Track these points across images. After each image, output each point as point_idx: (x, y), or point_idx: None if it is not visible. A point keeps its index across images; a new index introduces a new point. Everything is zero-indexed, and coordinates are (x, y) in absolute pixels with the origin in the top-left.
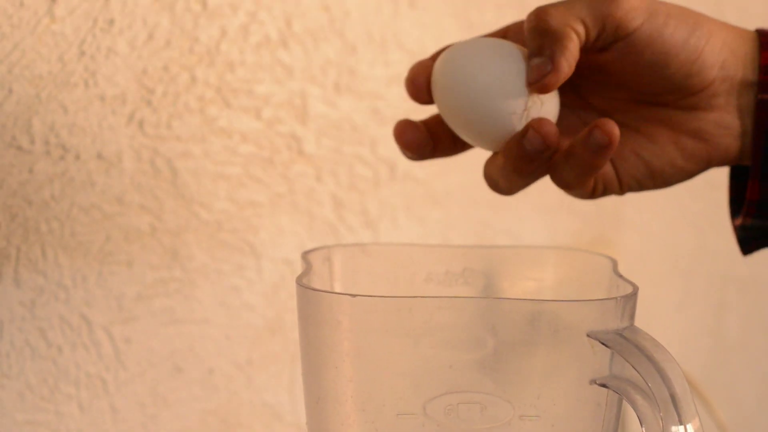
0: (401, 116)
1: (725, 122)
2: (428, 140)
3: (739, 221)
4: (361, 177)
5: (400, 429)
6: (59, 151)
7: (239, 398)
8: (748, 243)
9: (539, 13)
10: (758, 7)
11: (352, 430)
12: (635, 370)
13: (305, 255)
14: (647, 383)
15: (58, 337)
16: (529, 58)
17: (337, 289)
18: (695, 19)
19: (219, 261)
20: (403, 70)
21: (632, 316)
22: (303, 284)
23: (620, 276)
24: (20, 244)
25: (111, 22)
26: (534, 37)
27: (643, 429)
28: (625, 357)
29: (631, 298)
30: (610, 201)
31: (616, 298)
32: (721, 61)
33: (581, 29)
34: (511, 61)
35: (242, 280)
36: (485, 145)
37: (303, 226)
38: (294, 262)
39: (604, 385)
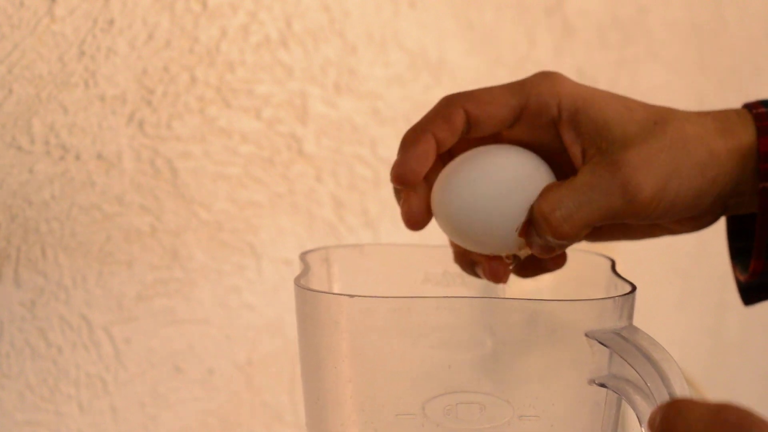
0: (401, 116)
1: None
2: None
3: (743, 278)
4: (361, 177)
5: (399, 429)
6: (59, 151)
7: (239, 398)
8: (749, 295)
9: (554, 226)
10: (758, 7)
11: (351, 430)
12: (634, 369)
13: (303, 256)
14: (646, 383)
15: (58, 338)
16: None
17: (336, 290)
18: (701, 171)
19: (219, 261)
20: (403, 70)
21: (631, 316)
22: (301, 285)
23: (618, 276)
24: (20, 244)
25: (111, 22)
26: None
27: (642, 428)
28: (624, 356)
29: (630, 298)
30: None
31: (614, 297)
32: (718, 192)
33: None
34: (516, 173)
35: (242, 280)
36: (484, 251)
37: (303, 226)
38: (294, 262)
39: (602, 385)
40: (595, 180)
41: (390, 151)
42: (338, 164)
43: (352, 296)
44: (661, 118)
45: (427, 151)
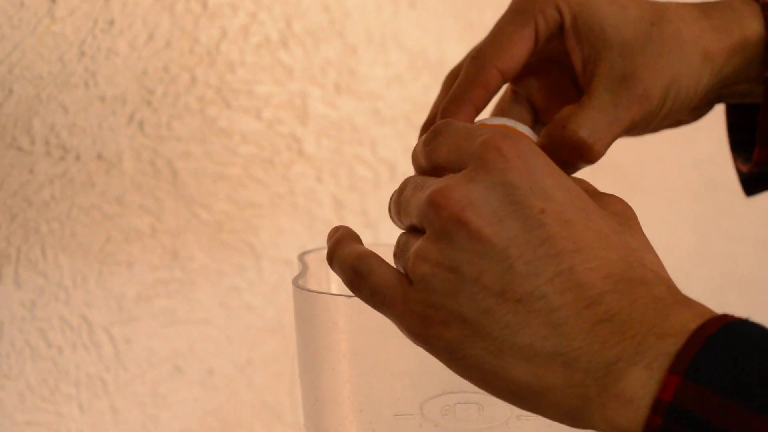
0: (401, 116)
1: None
2: None
3: (745, 168)
4: (362, 177)
5: (397, 429)
6: (59, 151)
7: (239, 398)
8: (751, 186)
9: (593, 150)
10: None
11: (349, 430)
12: None
13: (302, 256)
14: None
15: (59, 338)
16: None
17: (334, 291)
18: (697, 75)
19: (219, 261)
20: (403, 71)
21: None
22: (299, 285)
23: None
24: (20, 244)
25: (111, 22)
26: None
27: None
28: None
29: None
30: None
31: None
32: (711, 89)
33: None
34: None
35: (242, 280)
36: None
37: (303, 226)
38: (294, 262)
39: None
40: (615, 98)
41: (390, 152)
42: (338, 165)
43: (350, 296)
44: (657, 19)
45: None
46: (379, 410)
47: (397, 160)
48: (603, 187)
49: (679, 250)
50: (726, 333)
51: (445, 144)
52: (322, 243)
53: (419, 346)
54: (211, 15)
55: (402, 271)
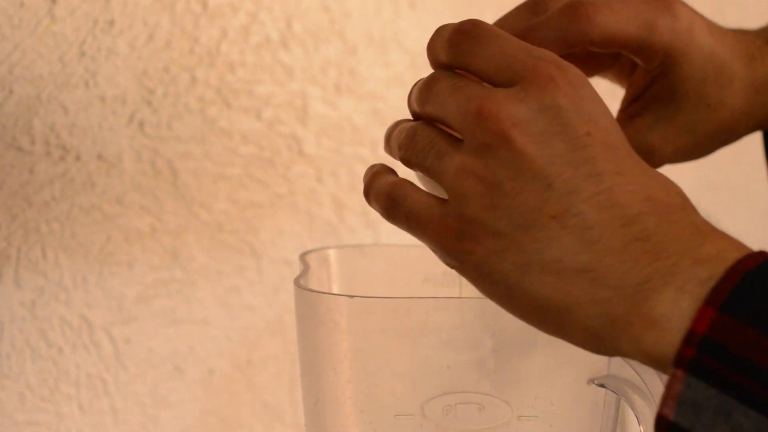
0: (401, 117)
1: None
2: None
3: None
4: (362, 178)
5: (398, 430)
6: (59, 151)
7: (239, 399)
8: None
9: None
10: (758, 7)
11: (350, 430)
12: (633, 369)
13: (303, 256)
14: (645, 383)
15: (59, 338)
16: None
17: (335, 291)
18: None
19: (219, 262)
20: (403, 71)
21: None
22: (301, 285)
23: None
24: (21, 244)
25: (111, 22)
26: None
27: (641, 429)
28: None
29: None
30: None
31: None
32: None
33: None
34: None
35: (242, 280)
36: None
37: (303, 226)
38: (294, 262)
39: (602, 385)
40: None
41: None
42: (339, 165)
43: (351, 297)
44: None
45: None
46: (380, 410)
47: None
48: None
49: None
50: (765, 269)
51: (487, 50)
52: (322, 243)
53: (450, 264)
54: (211, 15)
55: (402, 158)
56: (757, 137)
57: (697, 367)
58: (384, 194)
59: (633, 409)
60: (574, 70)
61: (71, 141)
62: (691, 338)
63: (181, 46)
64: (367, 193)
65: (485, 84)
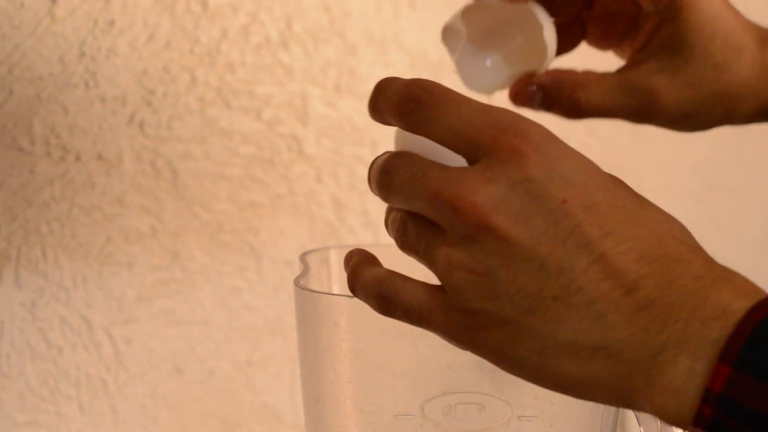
0: None
1: None
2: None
3: None
4: (362, 178)
5: (398, 430)
6: (60, 152)
7: (239, 399)
8: None
9: None
10: (758, 7)
11: (350, 430)
12: None
13: (303, 256)
14: None
15: (59, 338)
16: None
17: (335, 291)
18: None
19: (219, 262)
20: (403, 71)
21: None
22: (301, 285)
23: None
24: (21, 245)
25: (111, 23)
26: None
27: (641, 429)
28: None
29: None
30: None
31: None
32: None
33: None
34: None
35: (243, 281)
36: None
37: (303, 227)
38: (294, 263)
39: None
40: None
41: None
42: (338, 165)
43: (352, 297)
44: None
45: None
46: (380, 410)
47: None
48: None
49: None
50: None
51: (442, 119)
52: (322, 243)
53: (466, 350)
54: (211, 15)
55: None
56: (756, 136)
57: (715, 425)
58: (374, 294)
59: None
60: (534, 130)
61: (71, 141)
62: (708, 397)
63: (181, 47)
64: (354, 291)
65: (442, 165)
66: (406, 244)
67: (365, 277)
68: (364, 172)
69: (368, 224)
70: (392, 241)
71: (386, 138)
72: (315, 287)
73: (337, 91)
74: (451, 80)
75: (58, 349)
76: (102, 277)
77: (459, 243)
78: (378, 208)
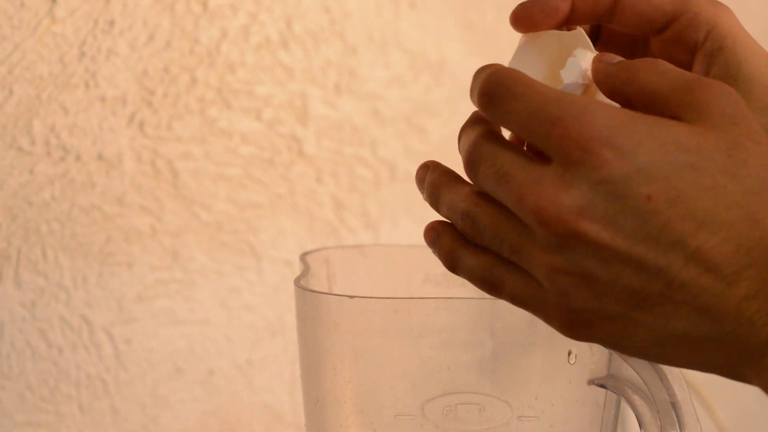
0: (402, 117)
1: None
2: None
3: None
4: (362, 178)
5: (398, 430)
6: (60, 152)
7: (240, 399)
8: None
9: None
10: (758, 8)
11: (350, 431)
12: (633, 370)
13: (303, 257)
14: (645, 383)
15: (59, 338)
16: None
17: (336, 291)
18: None
19: (219, 262)
20: (403, 71)
21: None
22: (301, 286)
23: None
24: (21, 245)
25: (111, 23)
26: None
27: (642, 429)
28: (624, 357)
29: None
30: None
31: None
32: None
33: None
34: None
35: (243, 281)
36: None
37: (303, 227)
38: (294, 263)
39: (602, 386)
40: None
41: (390, 152)
42: (338, 165)
43: (352, 297)
44: None
45: (558, 9)
46: (380, 411)
47: (397, 160)
48: None
49: None
50: None
51: (515, 113)
52: (322, 243)
53: (577, 340)
54: (211, 16)
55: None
56: None
57: None
58: (479, 279)
59: (633, 409)
60: (600, 122)
61: (71, 141)
62: None
63: (181, 47)
64: (455, 270)
65: (524, 161)
66: (480, 241)
67: (469, 262)
68: (364, 172)
69: (368, 224)
70: (392, 242)
71: (386, 138)
72: (315, 287)
73: (337, 91)
74: (451, 80)
75: (58, 349)
76: (102, 277)
77: (553, 248)
78: (378, 208)
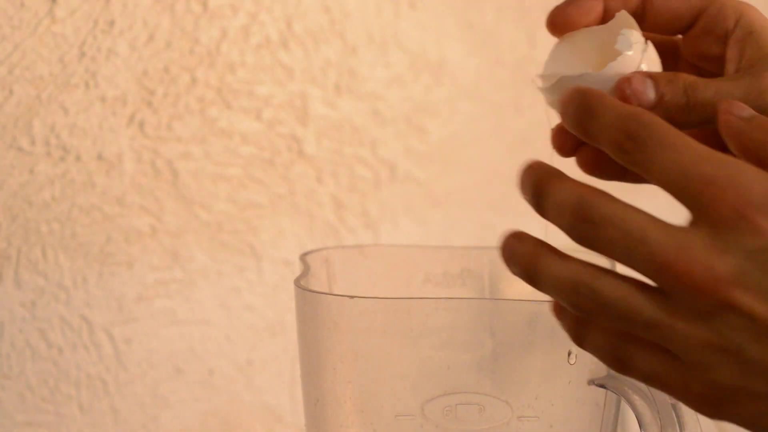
0: (402, 117)
1: None
2: None
3: None
4: (362, 178)
5: (398, 430)
6: (60, 152)
7: (240, 399)
8: None
9: None
10: (758, 7)
11: (350, 431)
12: None
13: (303, 257)
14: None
15: (59, 338)
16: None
17: (336, 291)
18: None
19: (219, 262)
20: (403, 71)
21: None
22: (301, 286)
23: None
24: (21, 245)
25: (111, 23)
26: None
27: (642, 430)
28: None
29: None
30: None
31: None
32: None
33: None
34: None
35: (243, 281)
36: None
37: (303, 227)
38: (294, 263)
39: (602, 386)
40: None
41: (390, 152)
42: (339, 165)
43: (352, 297)
44: None
45: (592, 8)
46: (380, 411)
47: (397, 160)
48: (603, 186)
49: None
50: None
51: (660, 163)
52: (322, 243)
53: (712, 418)
54: (211, 16)
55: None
56: None
57: None
58: (610, 358)
59: (633, 409)
60: (756, 186)
61: (71, 141)
62: None
63: (181, 47)
64: (581, 343)
65: (659, 221)
66: (602, 319)
67: (593, 337)
68: (364, 172)
69: (368, 224)
70: (392, 242)
71: (386, 138)
72: (315, 287)
73: (337, 91)
74: (451, 80)
75: (58, 349)
76: (102, 277)
77: (697, 318)
78: (378, 208)
